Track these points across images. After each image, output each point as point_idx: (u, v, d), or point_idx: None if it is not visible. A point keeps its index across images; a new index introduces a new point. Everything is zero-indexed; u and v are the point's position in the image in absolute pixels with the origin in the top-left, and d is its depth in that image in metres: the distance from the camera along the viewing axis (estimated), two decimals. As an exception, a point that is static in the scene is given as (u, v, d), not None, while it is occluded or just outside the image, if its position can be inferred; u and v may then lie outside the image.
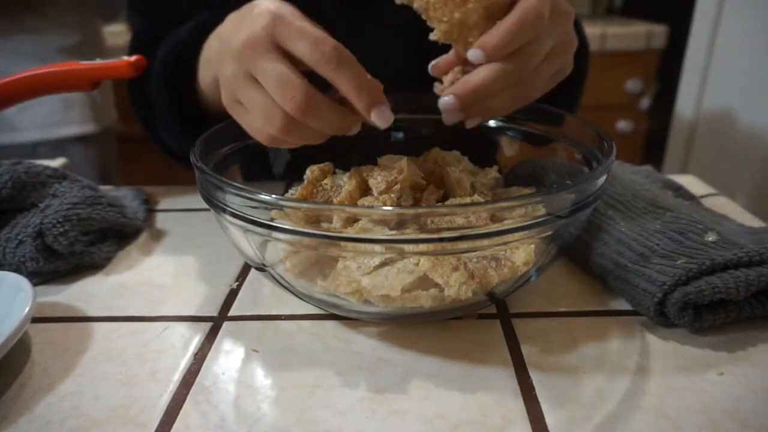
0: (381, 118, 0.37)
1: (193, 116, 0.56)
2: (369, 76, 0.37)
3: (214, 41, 0.49)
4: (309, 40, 0.35)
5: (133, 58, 0.53)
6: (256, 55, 0.37)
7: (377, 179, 0.40)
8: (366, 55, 0.38)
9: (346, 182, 0.41)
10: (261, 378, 0.35)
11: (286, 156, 0.52)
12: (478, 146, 0.50)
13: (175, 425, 0.32)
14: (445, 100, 0.39)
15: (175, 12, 0.64)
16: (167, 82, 0.55)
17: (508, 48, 0.37)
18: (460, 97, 0.38)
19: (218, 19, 0.50)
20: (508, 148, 0.50)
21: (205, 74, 0.51)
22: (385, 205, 0.39)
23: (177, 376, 0.35)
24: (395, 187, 0.39)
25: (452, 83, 0.39)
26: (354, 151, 0.43)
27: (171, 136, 0.60)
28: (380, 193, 0.39)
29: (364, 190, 0.41)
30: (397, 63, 0.54)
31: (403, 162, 0.41)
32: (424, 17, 0.38)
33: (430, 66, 0.43)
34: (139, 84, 0.62)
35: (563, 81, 0.45)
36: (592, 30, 1.61)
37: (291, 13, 0.37)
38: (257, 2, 0.39)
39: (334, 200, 0.41)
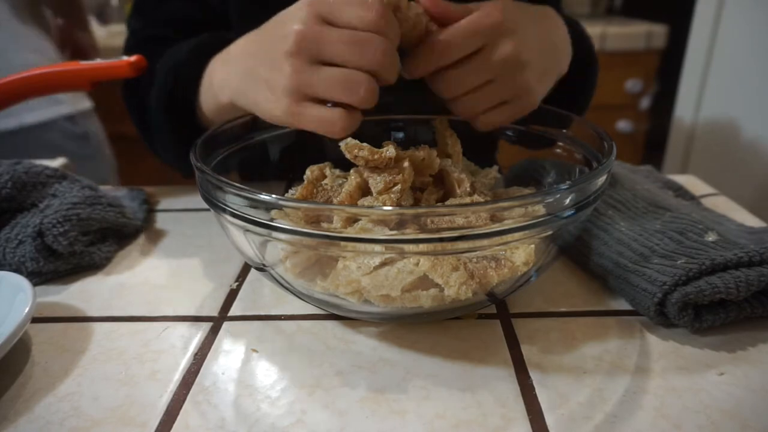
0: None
1: (191, 135, 0.56)
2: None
3: (219, 68, 0.49)
4: (352, 4, 0.37)
5: (133, 58, 0.53)
6: (316, 38, 0.37)
7: (376, 179, 0.39)
8: None
9: (347, 182, 0.41)
10: (261, 378, 0.35)
11: (286, 156, 0.52)
12: (478, 146, 0.50)
13: (175, 425, 0.32)
14: None
15: (170, 13, 0.64)
16: (166, 105, 0.55)
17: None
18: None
19: (217, 41, 0.51)
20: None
21: (207, 98, 0.51)
22: (385, 206, 0.39)
23: (177, 376, 0.35)
24: (395, 188, 0.39)
25: None
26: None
27: (170, 156, 0.60)
28: (379, 194, 0.39)
29: (365, 190, 0.41)
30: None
31: (391, 149, 0.40)
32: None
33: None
34: (133, 91, 0.62)
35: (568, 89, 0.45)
36: (592, 30, 1.60)
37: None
38: (281, 19, 0.40)
39: (334, 200, 0.41)
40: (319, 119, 0.38)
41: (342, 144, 0.39)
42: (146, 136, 0.64)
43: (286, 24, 0.38)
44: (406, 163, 0.40)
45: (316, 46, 0.37)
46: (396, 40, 0.38)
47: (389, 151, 0.38)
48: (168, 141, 0.58)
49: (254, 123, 0.48)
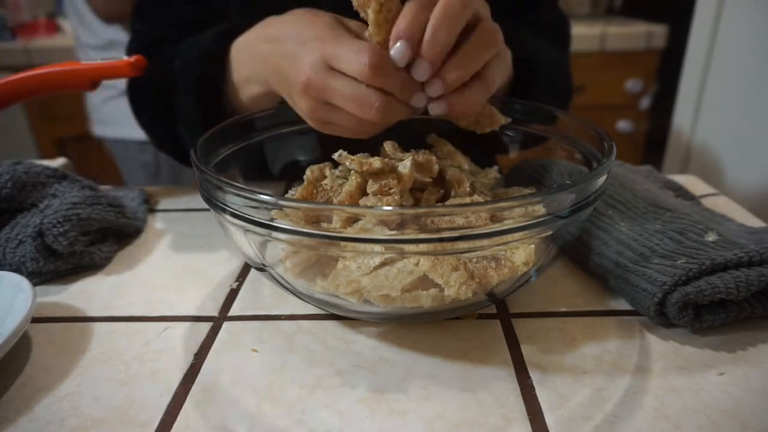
0: (419, 101, 0.40)
1: (217, 120, 0.56)
2: (401, 70, 0.38)
3: (250, 59, 0.50)
4: (350, 54, 0.38)
5: (133, 58, 0.53)
6: (320, 87, 0.39)
7: (371, 184, 0.40)
8: None
9: (347, 182, 0.41)
10: (261, 378, 0.35)
11: (286, 156, 0.52)
12: (479, 146, 0.50)
13: (175, 425, 0.32)
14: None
15: (172, 15, 0.64)
16: (198, 93, 0.56)
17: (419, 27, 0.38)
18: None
19: (238, 28, 0.52)
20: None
21: (249, 92, 0.52)
22: (386, 206, 0.39)
23: (177, 376, 0.35)
24: (392, 191, 0.39)
25: None
26: (354, 150, 0.43)
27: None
28: (374, 194, 0.39)
29: (365, 190, 0.41)
30: None
31: (407, 164, 0.40)
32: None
33: None
34: (138, 89, 0.63)
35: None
36: (592, 30, 1.61)
37: (331, 26, 0.41)
38: (294, 53, 0.42)
39: (335, 200, 0.41)
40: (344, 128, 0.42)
41: (335, 156, 0.41)
42: (154, 135, 0.65)
43: (300, 62, 0.41)
44: (408, 165, 0.40)
45: (321, 94, 0.40)
46: (396, 85, 0.38)
47: (375, 163, 0.40)
48: (198, 127, 0.58)
49: (254, 123, 0.48)
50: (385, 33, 0.37)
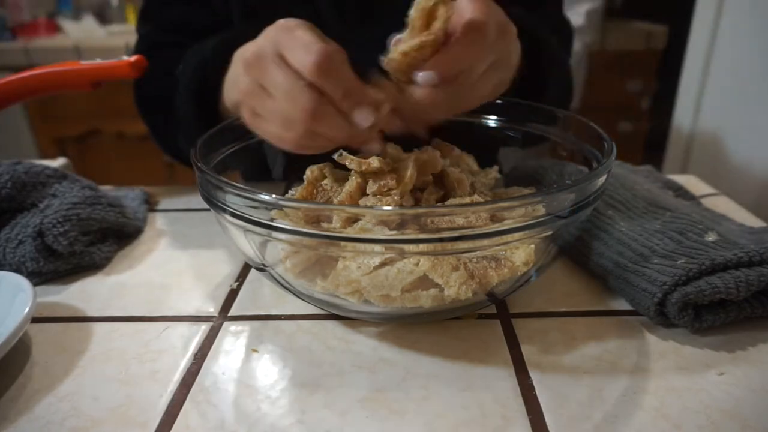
0: (361, 118, 0.38)
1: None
2: (353, 81, 0.37)
3: (237, 65, 0.50)
4: (300, 48, 0.36)
5: (133, 58, 0.53)
6: (263, 67, 0.38)
7: (371, 184, 0.40)
8: (366, 56, 0.38)
9: (347, 182, 0.41)
10: (261, 378, 0.35)
11: (286, 156, 0.52)
12: (479, 146, 0.50)
13: (175, 425, 0.32)
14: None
15: (175, 19, 0.64)
16: (196, 100, 0.56)
17: (456, 69, 0.38)
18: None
19: (241, 37, 0.51)
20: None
21: (230, 95, 0.52)
22: (386, 206, 0.39)
23: (177, 376, 0.35)
24: (392, 191, 0.39)
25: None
26: (354, 151, 0.43)
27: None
28: (373, 194, 0.39)
29: (365, 190, 0.41)
30: None
31: (409, 166, 0.40)
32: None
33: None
34: (143, 91, 0.63)
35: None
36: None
37: (297, 25, 0.38)
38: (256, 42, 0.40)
39: (335, 200, 0.41)
40: (270, 136, 0.40)
41: (335, 156, 0.40)
42: (158, 137, 0.65)
43: (255, 43, 0.40)
44: (409, 170, 0.40)
45: (261, 73, 0.38)
46: (338, 90, 0.36)
47: (374, 163, 0.39)
48: (197, 135, 0.58)
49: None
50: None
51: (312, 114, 0.36)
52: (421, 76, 0.38)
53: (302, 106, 0.36)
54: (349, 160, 0.40)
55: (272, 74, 0.37)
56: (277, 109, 0.38)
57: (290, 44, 0.37)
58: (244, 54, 0.40)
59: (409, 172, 0.40)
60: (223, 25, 0.63)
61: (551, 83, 0.57)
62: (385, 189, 0.39)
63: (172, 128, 0.60)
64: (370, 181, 0.40)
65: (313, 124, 0.37)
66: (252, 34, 0.48)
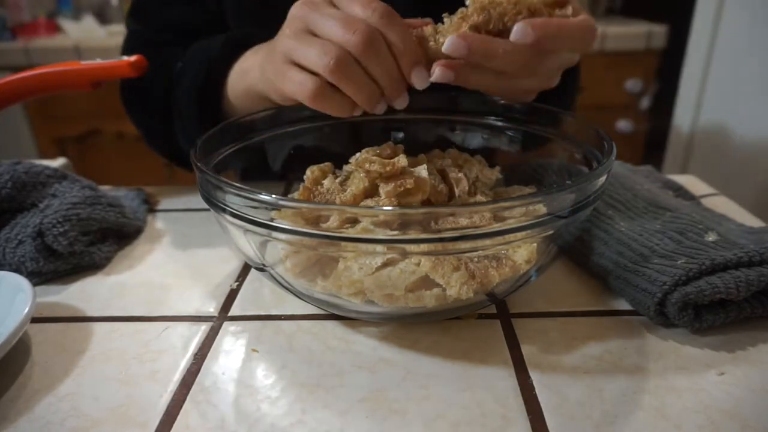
0: (420, 76, 0.39)
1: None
2: (413, 40, 0.38)
3: (252, 54, 0.51)
4: (361, 1, 0.38)
5: (133, 58, 0.53)
6: (315, 10, 0.39)
7: (386, 186, 0.39)
8: None
9: (352, 182, 0.41)
10: (261, 378, 0.35)
11: (286, 156, 0.52)
12: (478, 146, 0.50)
13: (175, 425, 0.32)
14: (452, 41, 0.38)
15: (168, 18, 0.65)
16: (198, 98, 0.56)
17: (551, 38, 0.38)
18: (470, 45, 0.38)
19: (248, 38, 0.52)
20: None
21: (236, 84, 0.53)
22: (386, 206, 0.38)
23: (177, 376, 0.35)
24: (412, 194, 0.39)
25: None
26: (353, 151, 0.43)
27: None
28: (387, 195, 0.39)
29: (370, 193, 0.40)
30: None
31: (422, 171, 0.40)
32: None
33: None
34: (132, 88, 0.63)
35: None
36: (592, 30, 1.60)
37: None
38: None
39: (337, 200, 0.41)
40: (293, 81, 0.41)
41: (353, 160, 0.40)
42: (148, 135, 0.65)
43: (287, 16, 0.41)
44: (423, 173, 0.40)
45: (309, 15, 0.40)
46: (400, 45, 0.38)
47: (401, 160, 0.39)
48: (197, 133, 0.58)
49: (254, 123, 0.48)
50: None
51: (368, 39, 0.37)
52: (520, 26, 0.37)
53: (359, 28, 0.37)
54: (369, 162, 0.39)
55: (327, 10, 0.39)
56: (317, 43, 0.38)
57: (320, 21, 0.38)
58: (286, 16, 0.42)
59: (426, 174, 0.39)
60: (214, 25, 0.63)
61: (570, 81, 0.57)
62: (401, 188, 0.39)
63: (164, 128, 0.60)
64: (383, 184, 0.39)
65: (366, 51, 0.37)
66: (260, 35, 0.49)
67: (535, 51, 0.39)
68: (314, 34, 0.40)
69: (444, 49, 0.38)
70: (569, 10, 0.40)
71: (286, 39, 0.41)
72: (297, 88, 0.40)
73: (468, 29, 0.38)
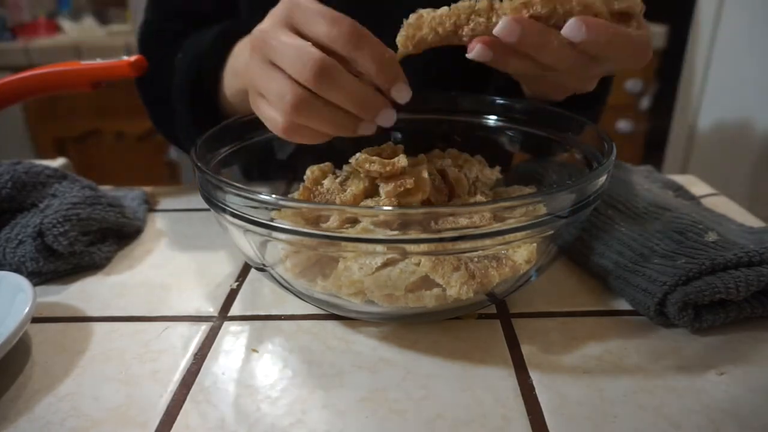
0: (400, 94, 0.37)
1: (214, 124, 0.57)
2: (389, 52, 0.36)
3: (241, 50, 0.50)
4: (326, 19, 0.35)
5: (133, 58, 0.53)
6: (272, 38, 0.36)
7: (387, 186, 0.39)
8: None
9: (351, 183, 0.41)
10: (261, 378, 0.35)
11: (286, 155, 0.52)
12: (479, 146, 0.50)
13: (175, 425, 0.32)
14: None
15: (182, 5, 0.65)
16: (189, 96, 0.56)
17: (602, 43, 0.36)
18: (524, 32, 0.35)
19: (240, 27, 0.51)
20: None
21: (231, 84, 0.52)
22: (386, 206, 0.39)
23: (177, 376, 0.35)
24: (411, 193, 0.39)
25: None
26: (354, 151, 0.43)
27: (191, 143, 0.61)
28: (387, 195, 0.39)
29: (371, 193, 0.40)
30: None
31: (423, 175, 0.40)
32: None
33: None
34: (146, 83, 0.64)
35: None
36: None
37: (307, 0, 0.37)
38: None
39: (337, 201, 0.41)
40: (264, 116, 0.39)
41: (352, 160, 0.39)
42: (163, 129, 0.66)
43: (260, 25, 0.39)
44: (423, 173, 0.40)
45: (267, 44, 0.37)
46: (373, 66, 0.35)
47: (401, 160, 0.38)
48: (192, 131, 0.58)
49: (255, 122, 0.48)
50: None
51: (321, 71, 0.34)
52: (574, 21, 0.34)
53: (312, 60, 0.34)
54: (369, 162, 0.38)
55: (281, 39, 0.36)
56: (276, 78, 0.36)
57: (308, 17, 0.35)
58: (252, 33, 0.39)
59: (426, 175, 0.39)
60: (225, 11, 0.63)
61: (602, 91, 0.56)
62: (401, 188, 0.38)
63: (168, 114, 0.61)
64: (383, 184, 0.39)
65: (321, 82, 0.34)
66: (251, 25, 0.48)
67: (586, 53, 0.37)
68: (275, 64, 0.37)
69: (496, 30, 0.35)
70: (633, 24, 0.38)
71: (252, 66, 0.39)
72: (269, 123, 0.39)
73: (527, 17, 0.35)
